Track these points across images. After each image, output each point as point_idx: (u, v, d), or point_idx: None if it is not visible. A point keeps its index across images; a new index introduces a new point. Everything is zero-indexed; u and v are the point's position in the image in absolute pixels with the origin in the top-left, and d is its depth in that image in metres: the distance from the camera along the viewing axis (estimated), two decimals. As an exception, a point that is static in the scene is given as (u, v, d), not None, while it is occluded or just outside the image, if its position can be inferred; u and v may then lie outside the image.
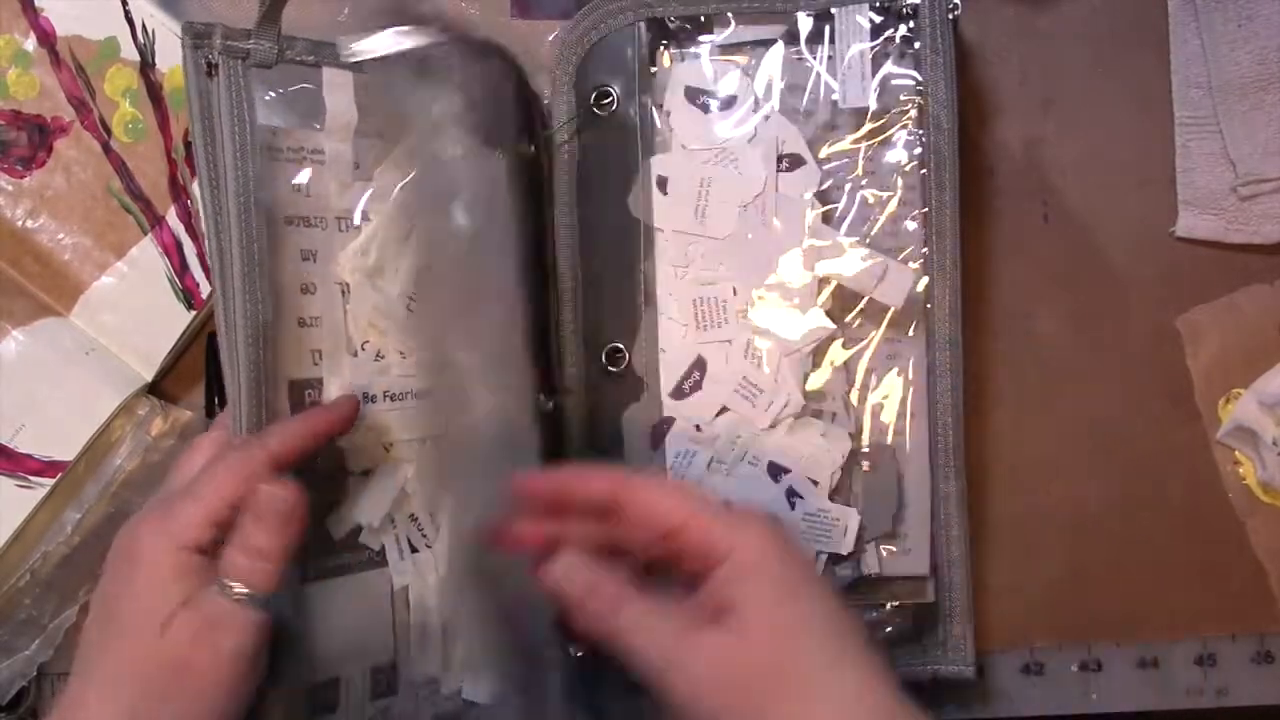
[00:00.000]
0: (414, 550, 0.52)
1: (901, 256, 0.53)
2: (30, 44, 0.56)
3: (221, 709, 0.42)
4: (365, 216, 0.51)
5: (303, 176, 0.49)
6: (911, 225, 0.53)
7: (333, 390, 0.49)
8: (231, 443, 0.46)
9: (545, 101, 0.56)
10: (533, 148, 0.54)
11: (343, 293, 0.50)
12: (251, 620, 0.42)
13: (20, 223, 0.56)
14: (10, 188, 0.56)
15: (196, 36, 0.47)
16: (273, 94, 0.49)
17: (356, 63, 0.50)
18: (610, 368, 0.54)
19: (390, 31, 0.50)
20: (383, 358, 0.51)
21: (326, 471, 0.49)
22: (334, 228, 0.50)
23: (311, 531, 0.45)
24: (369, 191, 0.51)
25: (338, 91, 0.50)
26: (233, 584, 0.42)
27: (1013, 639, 0.58)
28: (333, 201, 0.50)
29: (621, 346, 0.53)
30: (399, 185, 0.51)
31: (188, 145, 0.56)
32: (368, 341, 0.51)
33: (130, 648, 0.41)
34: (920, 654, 0.53)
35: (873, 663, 0.40)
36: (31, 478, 0.54)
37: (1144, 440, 0.58)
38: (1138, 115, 0.58)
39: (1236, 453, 0.57)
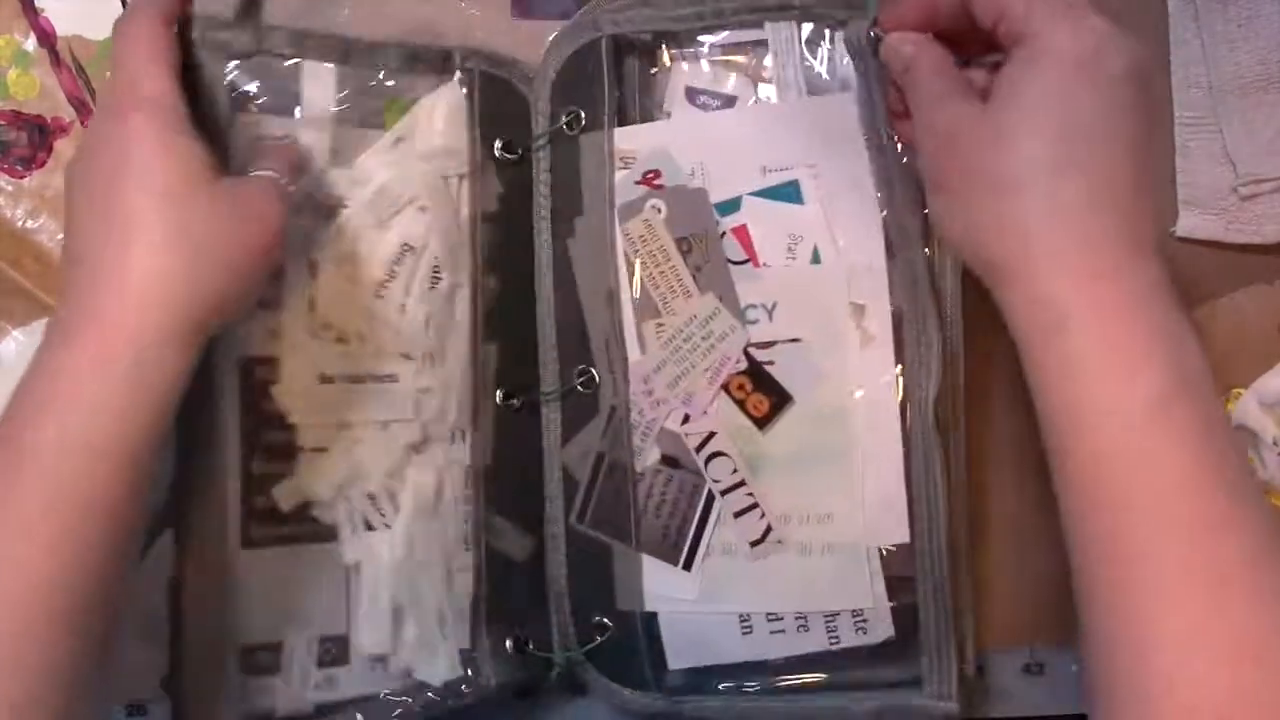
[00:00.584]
0: (369, 528, 0.52)
1: (902, 256, 0.53)
2: (30, 44, 0.56)
3: (251, 286, 0.44)
4: (342, 203, 0.52)
5: None
6: (912, 225, 0.53)
7: (287, 369, 0.51)
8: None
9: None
10: (520, 151, 0.54)
11: (311, 275, 0.51)
12: (284, 197, 0.45)
13: (20, 223, 0.56)
14: (10, 188, 0.56)
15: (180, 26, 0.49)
16: (252, 82, 0.51)
17: (341, 53, 0.52)
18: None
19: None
20: (344, 341, 0.52)
21: (278, 445, 0.50)
22: (307, 213, 0.51)
23: (260, 500, 0.49)
24: (346, 178, 0.52)
25: (316, 82, 0.51)
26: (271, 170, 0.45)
27: (1013, 639, 0.58)
28: (308, 187, 0.51)
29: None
30: (377, 174, 0.52)
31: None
32: (330, 324, 0.52)
33: (178, 186, 0.41)
34: (921, 654, 0.53)
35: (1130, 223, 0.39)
36: (33, 478, 0.54)
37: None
38: (1138, 115, 0.58)
39: (1236, 453, 0.57)
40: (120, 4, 0.55)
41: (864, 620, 0.52)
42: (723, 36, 0.54)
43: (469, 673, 0.53)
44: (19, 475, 0.38)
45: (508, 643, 0.53)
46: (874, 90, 0.50)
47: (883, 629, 0.52)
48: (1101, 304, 0.38)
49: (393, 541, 0.52)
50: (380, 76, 0.53)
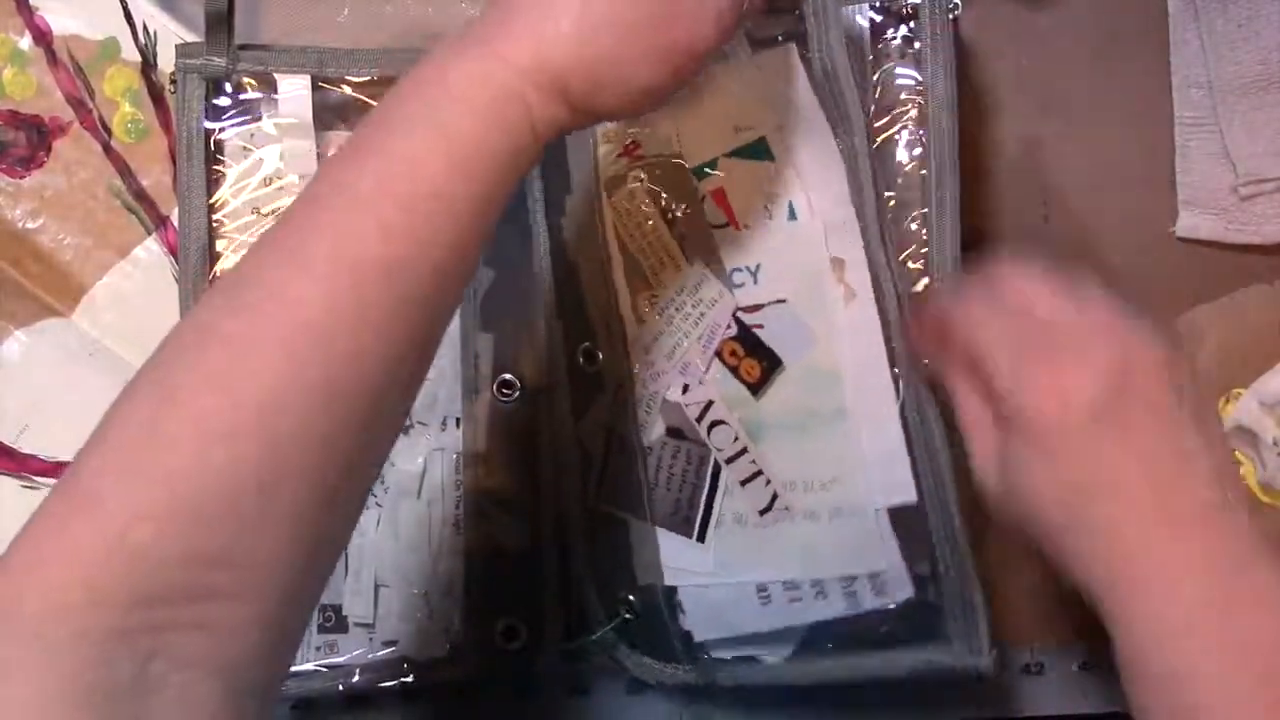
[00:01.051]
0: None
1: (902, 257, 0.53)
2: (26, 43, 0.56)
3: (670, 84, 0.40)
4: None
5: (267, 168, 0.54)
6: (912, 225, 0.53)
7: None
8: None
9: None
10: None
11: None
12: (737, 11, 0.40)
13: (20, 223, 0.56)
14: (10, 188, 0.56)
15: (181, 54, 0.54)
16: (230, 101, 0.54)
17: (316, 60, 0.54)
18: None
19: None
20: None
21: None
22: None
23: None
24: None
25: (292, 96, 0.54)
26: None
27: (1013, 639, 0.58)
28: (298, 192, 0.52)
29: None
30: None
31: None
32: None
33: None
34: (926, 656, 0.53)
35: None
36: (36, 478, 0.54)
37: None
38: (1138, 115, 0.58)
39: (1237, 453, 0.57)
40: (120, 4, 0.55)
41: (882, 583, 0.52)
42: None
43: (452, 651, 0.54)
44: (374, 152, 0.37)
45: (497, 627, 0.54)
46: (822, 34, 0.50)
47: (902, 590, 0.52)
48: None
49: (379, 520, 0.54)
50: (367, 80, 0.54)
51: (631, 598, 0.54)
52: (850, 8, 0.52)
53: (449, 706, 0.58)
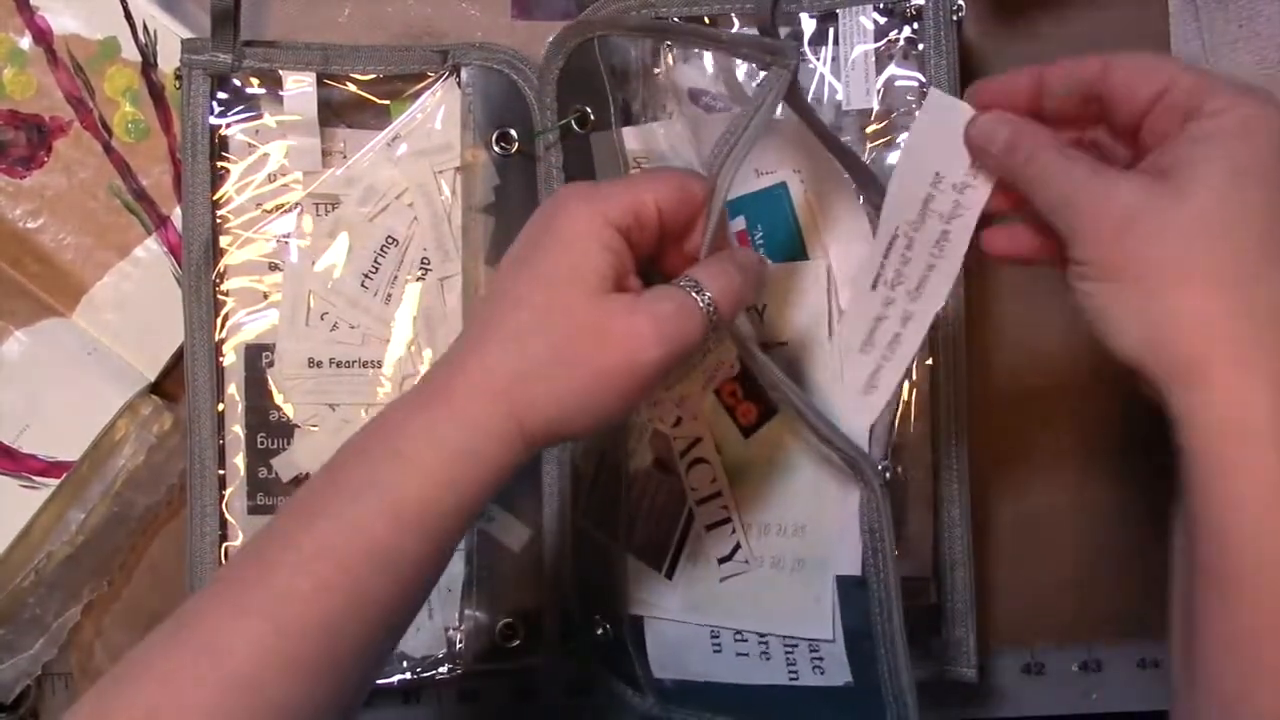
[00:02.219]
0: None
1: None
2: (26, 43, 0.56)
3: (618, 403, 0.39)
4: (336, 200, 0.55)
5: (272, 165, 0.55)
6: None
7: (284, 353, 0.55)
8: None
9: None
10: (517, 144, 0.55)
11: (311, 267, 0.55)
12: (700, 325, 0.40)
13: (21, 223, 0.56)
14: (10, 188, 0.56)
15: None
16: (235, 97, 0.54)
17: (321, 57, 0.54)
18: None
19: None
20: (336, 328, 0.55)
21: (276, 421, 0.55)
22: (304, 210, 0.55)
23: (263, 472, 0.54)
24: (338, 177, 0.55)
25: (297, 93, 0.54)
26: (704, 289, 0.40)
27: (1013, 639, 0.58)
28: (302, 188, 0.55)
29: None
30: (369, 172, 0.55)
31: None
32: (326, 313, 0.55)
33: (548, 299, 0.39)
34: (923, 656, 0.53)
35: None
36: (35, 478, 0.54)
37: (1145, 440, 0.58)
38: (1138, 115, 0.58)
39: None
40: (121, 4, 0.55)
41: (820, 658, 0.51)
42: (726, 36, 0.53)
43: (450, 649, 0.54)
44: (320, 514, 0.38)
45: (496, 627, 0.54)
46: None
47: (840, 673, 0.50)
48: None
49: None
50: (373, 78, 0.55)
51: (603, 619, 0.54)
52: (854, 9, 0.52)
53: (448, 706, 0.58)
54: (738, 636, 0.52)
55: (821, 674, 0.51)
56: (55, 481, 0.54)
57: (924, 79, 0.52)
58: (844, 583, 0.49)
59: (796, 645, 0.51)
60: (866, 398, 0.48)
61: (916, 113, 0.50)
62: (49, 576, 0.56)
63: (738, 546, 0.52)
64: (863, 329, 0.47)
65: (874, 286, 0.46)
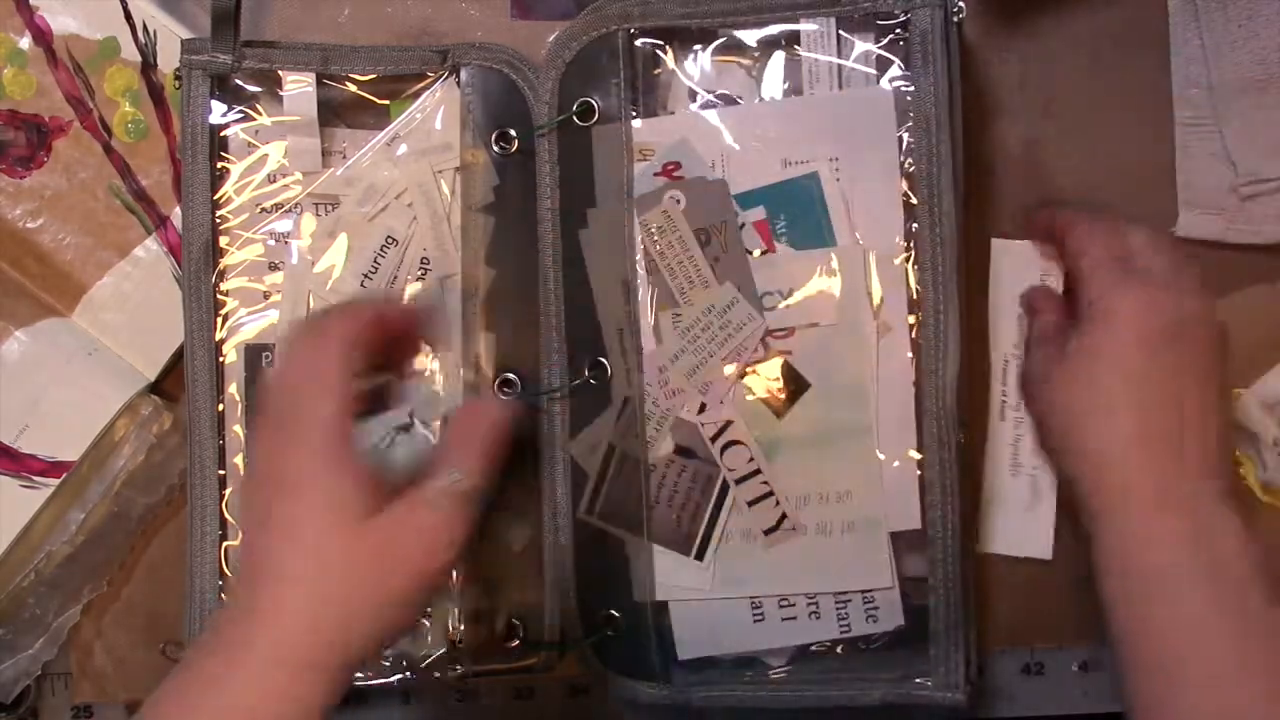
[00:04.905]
0: None
1: (903, 258, 0.53)
2: (25, 42, 0.56)
3: (421, 599, 0.43)
4: (335, 200, 0.55)
5: (272, 165, 0.55)
6: (913, 226, 0.53)
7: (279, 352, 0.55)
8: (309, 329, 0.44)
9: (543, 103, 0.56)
10: (517, 144, 0.54)
11: (310, 267, 0.55)
12: (466, 510, 0.42)
13: (21, 223, 0.56)
14: (10, 188, 0.56)
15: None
16: (235, 97, 0.55)
17: (321, 57, 0.54)
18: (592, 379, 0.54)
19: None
20: None
21: None
22: (304, 210, 0.55)
23: None
24: (338, 177, 0.55)
25: (297, 93, 0.54)
26: (459, 476, 0.43)
27: (1013, 639, 0.58)
28: (302, 188, 0.55)
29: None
30: (369, 172, 0.55)
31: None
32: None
33: (324, 539, 0.40)
34: (906, 678, 0.53)
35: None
36: (35, 478, 0.54)
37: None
38: (1138, 115, 0.58)
39: (1237, 453, 0.57)
40: (121, 4, 0.55)
41: (875, 606, 0.53)
42: (726, 37, 0.54)
43: (450, 649, 0.54)
44: None
45: (496, 626, 0.54)
46: (935, 73, 0.51)
47: (893, 617, 0.53)
48: (1164, 532, 0.46)
49: None
50: (372, 78, 0.55)
51: (616, 614, 0.54)
52: (855, 9, 0.52)
53: (448, 705, 0.58)
54: (783, 603, 0.53)
55: (875, 621, 0.53)
56: (55, 481, 0.54)
57: (922, 79, 0.52)
58: (900, 536, 0.53)
59: (850, 600, 0.53)
60: (1032, 512, 0.56)
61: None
62: (49, 576, 0.56)
63: (784, 517, 0.53)
64: (1006, 455, 0.56)
65: (1002, 418, 0.56)
